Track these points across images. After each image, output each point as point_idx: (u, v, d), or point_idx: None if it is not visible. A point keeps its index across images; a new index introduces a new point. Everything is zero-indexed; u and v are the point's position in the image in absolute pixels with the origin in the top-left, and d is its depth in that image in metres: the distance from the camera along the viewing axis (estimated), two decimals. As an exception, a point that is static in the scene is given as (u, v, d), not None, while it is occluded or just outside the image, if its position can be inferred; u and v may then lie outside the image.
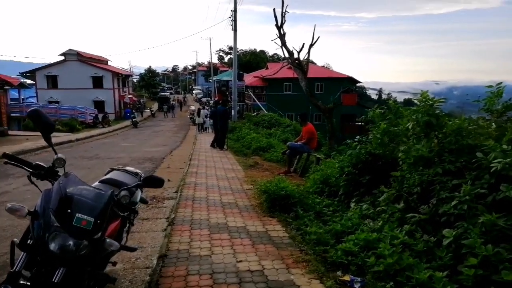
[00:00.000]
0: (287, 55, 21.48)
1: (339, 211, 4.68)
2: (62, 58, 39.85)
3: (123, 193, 2.28)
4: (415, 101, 4.33)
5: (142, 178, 3.39)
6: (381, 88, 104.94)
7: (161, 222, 4.81)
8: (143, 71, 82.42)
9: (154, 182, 2.46)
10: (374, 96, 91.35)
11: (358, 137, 5.30)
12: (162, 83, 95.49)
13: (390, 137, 4.97)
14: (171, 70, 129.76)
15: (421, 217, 3.51)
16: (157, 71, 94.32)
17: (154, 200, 6.02)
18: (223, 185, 6.70)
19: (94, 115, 31.62)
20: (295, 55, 21.02)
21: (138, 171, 3.39)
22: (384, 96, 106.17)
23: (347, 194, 5.01)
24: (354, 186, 4.93)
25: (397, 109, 5.35)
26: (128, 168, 3.32)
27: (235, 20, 24.67)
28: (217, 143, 13.53)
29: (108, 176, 3.08)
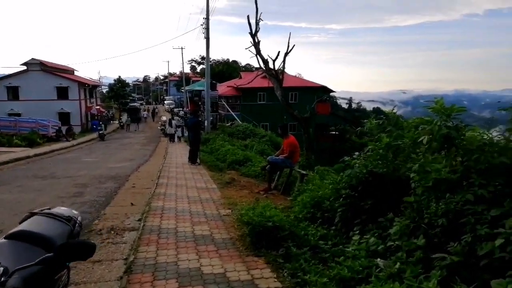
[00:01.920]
0: (261, 63, 20.87)
1: (338, 244, 3.83)
2: (24, 67, 37.60)
3: (12, 282, 1.33)
4: (429, 110, 3.57)
5: (77, 224, 2.40)
6: (351, 98, 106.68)
7: (117, 266, 3.80)
8: (113, 82, 79.90)
9: (77, 251, 1.53)
10: (345, 106, 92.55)
11: (357, 153, 4.50)
12: (133, 94, 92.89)
13: (393, 153, 4.21)
14: (142, 80, 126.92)
15: (453, 259, 2.71)
16: (127, 82, 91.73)
17: (112, 232, 4.97)
18: (195, 210, 5.71)
19: (57, 127, 29.66)
20: (270, 64, 20.43)
21: (72, 213, 2.39)
22: (354, 105, 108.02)
23: (345, 222, 4.18)
24: (353, 212, 4.11)
25: (396, 119, 4.62)
26: (56, 210, 2.32)
27: (207, 28, 23.83)
28: (190, 158, 12.49)
29: (22, 226, 2.08)
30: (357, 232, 3.83)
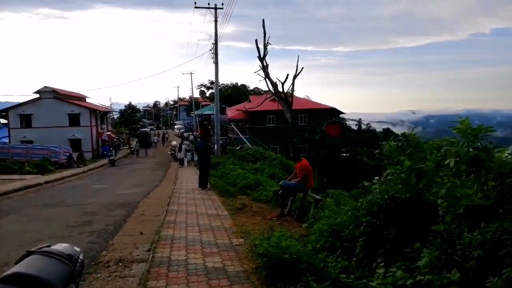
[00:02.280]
0: (270, 86, 20.94)
1: (361, 277, 3.54)
2: (37, 95, 38.44)
3: None
4: (455, 131, 3.36)
5: (79, 263, 2.19)
6: (360, 119, 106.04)
7: (124, 303, 3.56)
8: (123, 108, 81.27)
9: None
10: (354, 127, 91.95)
11: (376, 177, 4.26)
12: (143, 119, 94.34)
13: (416, 177, 3.96)
14: (152, 106, 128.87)
15: (496, 297, 2.43)
16: (137, 107, 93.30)
17: (120, 264, 4.74)
18: (207, 240, 5.47)
19: (68, 154, 29.90)
20: (279, 86, 20.47)
21: (73, 251, 2.17)
22: (363, 127, 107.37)
23: (367, 252, 3.90)
24: (376, 241, 3.83)
25: (417, 141, 4.40)
26: (56, 248, 2.12)
27: (216, 53, 24.14)
28: (200, 183, 12.30)
29: (17, 267, 1.89)
30: (381, 264, 3.54)
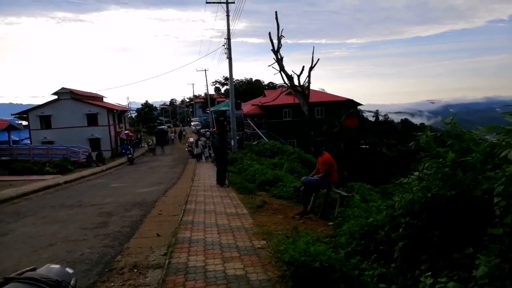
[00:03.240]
0: (286, 79, 20.40)
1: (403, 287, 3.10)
2: (55, 97, 39.00)
3: None
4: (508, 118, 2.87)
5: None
6: (377, 110, 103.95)
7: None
8: (140, 106, 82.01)
9: None
10: (371, 118, 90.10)
11: (417, 172, 3.78)
12: (160, 117, 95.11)
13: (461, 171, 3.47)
14: (169, 104, 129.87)
15: None
16: (154, 105, 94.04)
17: (135, 271, 4.44)
18: (226, 243, 5.10)
19: (87, 153, 30.19)
20: (295, 79, 19.92)
21: (63, 274, 1.77)
22: (381, 118, 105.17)
23: (407, 257, 3.44)
24: (417, 245, 3.37)
25: (460, 131, 3.89)
26: (43, 271, 1.74)
27: (229, 48, 23.75)
28: (217, 180, 11.98)
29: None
30: (426, 271, 3.09)
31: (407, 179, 3.88)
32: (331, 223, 6.32)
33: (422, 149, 4.15)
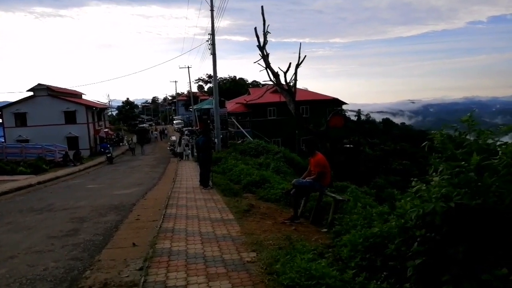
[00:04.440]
0: (272, 76, 19.87)
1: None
2: (31, 93, 37.43)
3: None
4: None
5: None
6: (359, 110, 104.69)
7: None
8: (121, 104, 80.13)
9: None
10: (353, 118, 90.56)
11: (436, 177, 3.29)
12: (142, 115, 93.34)
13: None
14: (151, 102, 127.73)
15: None
16: (135, 103, 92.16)
17: (105, 291, 3.81)
18: (211, 255, 4.51)
19: (63, 152, 28.94)
20: (282, 77, 19.41)
21: None
22: (363, 117, 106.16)
23: (424, 276, 2.95)
24: (437, 262, 2.88)
25: (479, 130, 3.43)
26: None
27: (213, 44, 23.07)
28: (201, 181, 11.36)
29: None
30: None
31: (416, 184, 3.39)
32: (324, 230, 5.83)
33: (434, 150, 3.68)
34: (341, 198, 6.04)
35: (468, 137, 3.57)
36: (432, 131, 3.66)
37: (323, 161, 6.51)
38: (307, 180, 6.57)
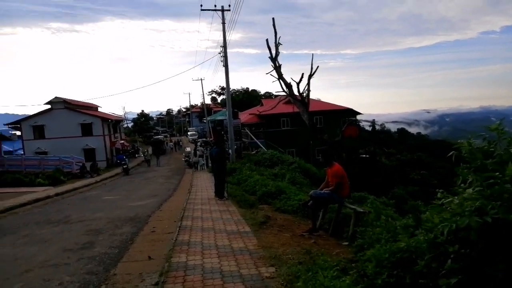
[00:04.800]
0: (284, 87, 19.79)
1: None
2: (49, 106, 38.30)
3: None
4: None
5: None
6: (373, 120, 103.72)
7: None
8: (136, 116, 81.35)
9: None
10: (368, 128, 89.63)
11: (469, 189, 3.10)
12: (157, 127, 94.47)
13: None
14: (165, 114, 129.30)
15: None
16: (150, 115, 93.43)
17: (119, 307, 3.70)
18: (228, 270, 4.37)
19: (81, 164, 29.34)
20: (294, 87, 19.33)
21: None
22: (377, 127, 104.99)
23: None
24: (473, 280, 2.68)
25: (510, 139, 3.23)
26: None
27: (225, 55, 23.19)
28: (216, 192, 11.26)
29: None
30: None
31: (442, 196, 3.21)
32: (345, 243, 5.62)
33: (461, 161, 3.49)
34: (361, 210, 5.83)
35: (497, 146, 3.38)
36: (459, 140, 3.47)
37: (341, 171, 6.32)
38: (325, 191, 6.39)
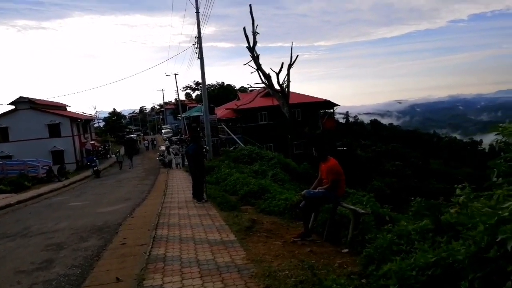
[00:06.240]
0: (263, 78, 19.11)
1: None
2: (12, 107, 36.02)
3: None
4: None
5: None
6: (347, 112, 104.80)
7: None
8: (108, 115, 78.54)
9: None
10: (342, 120, 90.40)
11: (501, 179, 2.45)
12: (130, 126, 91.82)
13: None
14: (138, 112, 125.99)
15: None
16: (122, 114, 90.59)
17: None
18: (214, 294, 3.57)
19: (47, 168, 27.58)
20: (274, 78, 18.69)
21: None
22: (351, 119, 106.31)
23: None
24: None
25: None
26: None
27: (200, 47, 22.16)
28: (194, 194, 10.40)
29: None
30: None
31: (462, 192, 2.55)
32: (345, 250, 4.93)
33: (499, 151, 2.85)
34: (363, 211, 5.16)
35: None
36: (502, 126, 2.81)
37: (338, 167, 5.62)
38: (320, 190, 5.68)
